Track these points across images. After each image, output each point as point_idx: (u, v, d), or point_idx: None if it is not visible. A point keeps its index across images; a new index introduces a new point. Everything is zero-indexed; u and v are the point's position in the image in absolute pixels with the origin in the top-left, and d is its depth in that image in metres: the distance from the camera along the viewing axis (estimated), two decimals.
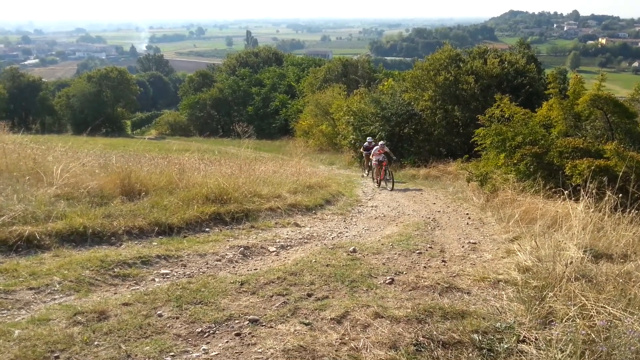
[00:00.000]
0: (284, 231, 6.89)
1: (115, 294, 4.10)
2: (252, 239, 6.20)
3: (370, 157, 14.43)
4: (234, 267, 5.10)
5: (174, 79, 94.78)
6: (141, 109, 65.91)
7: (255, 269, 4.99)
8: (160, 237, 5.87)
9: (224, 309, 3.81)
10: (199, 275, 4.65)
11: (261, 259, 5.48)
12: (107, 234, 5.55)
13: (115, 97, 50.24)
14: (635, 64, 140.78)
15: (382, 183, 13.78)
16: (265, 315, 3.76)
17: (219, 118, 49.62)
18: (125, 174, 7.21)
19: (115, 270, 4.55)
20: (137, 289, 4.24)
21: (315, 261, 5.18)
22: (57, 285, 4.06)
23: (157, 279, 4.52)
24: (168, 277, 4.59)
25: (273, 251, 5.82)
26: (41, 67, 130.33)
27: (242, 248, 5.66)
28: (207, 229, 6.46)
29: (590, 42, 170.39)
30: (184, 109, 52.30)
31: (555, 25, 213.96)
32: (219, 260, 5.23)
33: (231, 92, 49.46)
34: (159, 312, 3.70)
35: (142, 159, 11.36)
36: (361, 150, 16.93)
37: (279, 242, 6.23)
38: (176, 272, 4.75)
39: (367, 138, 16.53)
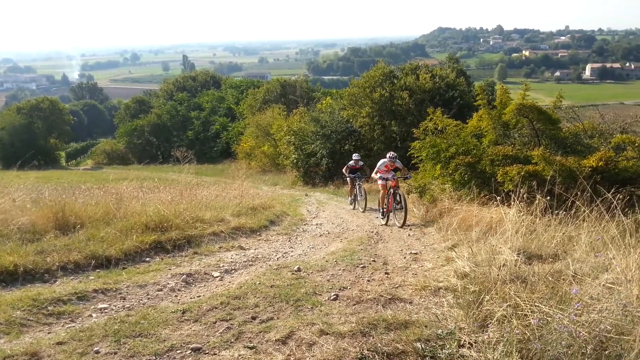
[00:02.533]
0: (228, 255, 6.80)
1: (49, 333, 3.91)
2: (195, 266, 6.08)
3: (373, 175, 10.81)
4: (176, 295, 4.97)
5: (110, 106, 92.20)
6: (76, 139, 63.48)
7: (199, 296, 4.89)
8: (97, 270, 5.65)
9: (165, 340, 3.70)
10: (139, 307, 4.51)
11: (205, 285, 5.38)
12: (40, 271, 5.30)
13: (47, 128, 48.21)
14: (557, 73, 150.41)
15: (390, 215, 10.07)
16: (209, 342, 3.68)
17: (158, 144, 48.54)
18: (58, 207, 6.92)
19: (49, 308, 4.34)
20: (73, 326, 4.05)
21: (260, 283, 5.14)
22: None
23: (94, 315, 4.34)
24: (106, 312, 4.42)
25: (217, 276, 5.72)
26: None
27: (184, 276, 5.54)
28: (147, 259, 6.28)
29: (515, 54, 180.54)
30: (120, 136, 50.84)
31: (481, 39, 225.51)
32: (161, 290, 5.09)
33: (170, 118, 48.60)
34: (95, 348, 3.55)
35: (77, 190, 10.95)
36: (344, 171, 13.65)
37: (223, 266, 6.13)
38: (115, 306, 4.58)
39: (354, 155, 13.78)
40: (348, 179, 13.63)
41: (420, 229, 9.05)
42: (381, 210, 10.42)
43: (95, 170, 37.80)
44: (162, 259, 6.33)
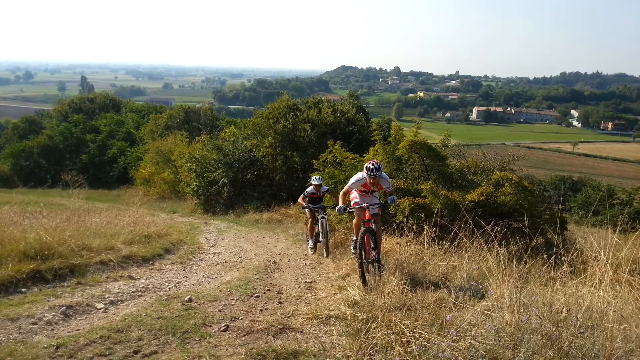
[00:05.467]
0: (115, 285, 6.44)
1: None
2: (77, 297, 5.69)
3: (344, 195, 7.21)
4: (52, 329, 4.61)
5: None
6: None
7: (77, 330, 4.57)
8: None
9: None
10: (7, 343, 4.12)
11: (86, 318, 5.04)
12: None
13: None
14: (448, 114, 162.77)
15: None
16: None
17: (48, 167, 45.19)
18: None
19: None
20: None
21: (146, 315, 4.92)
22: None
23: None
24: None
25: (100, 308, 5.39)
26: None
27: (64, 307, 5.16)
28: (23, 289, 5.78)
29: (410, 95, 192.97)
30: (6, 158, 46.71)
31: (381, 79, 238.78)
32: (35, 324, 4.69)
33: (63, 140, 45.60)
34: None
35: None
36: (300, 201, 10.30)
37: (108, 297, 5.79)
38: None
39: (313, 179, 10.09)
40: (307, 211, 10.04)
41: (317, 258, 9.18)
42: (356, 254, 6.67)
43: None
44: (40, 290, 5.85)
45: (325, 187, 10.27)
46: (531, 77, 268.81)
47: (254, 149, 20.57)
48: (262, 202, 18.90)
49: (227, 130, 25.04)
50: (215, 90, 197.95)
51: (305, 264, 8.63)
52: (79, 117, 49.37)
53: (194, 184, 21.30)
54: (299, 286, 6.72)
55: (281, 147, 19.86)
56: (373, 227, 6.68)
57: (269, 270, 7.95)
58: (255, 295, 6.02)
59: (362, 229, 6.66)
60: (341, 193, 7.23)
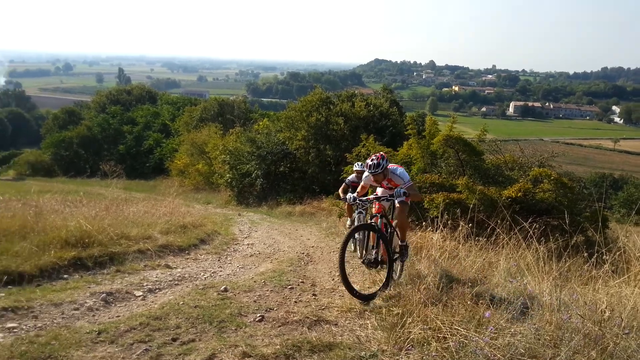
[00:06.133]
0: (153, 274, 6.57)
1: None
2: (116, 284, 5.83)
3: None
4: (93, 315, 4.74)
5: (37, 116, 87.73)
6: None
7: (118, 316, 4.68)
8: (9, 287, 5.28)
9: None
10: (52, 327, 4.25)
11: (125, 305, 5.16)
12: None
13: None
14: (484, 109, 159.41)
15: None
16: None
17: (87, 157, 46.45)
18: None
19: None
20: None
21: (184, 303, 5.01)
22: None
23: (1, 334, 4.05)
24: (15, 332, 4.14)
25: (139, 295, 5.51)
26: None
27: (104, 294, 5.29)
28: (65, 276, 5.95)
29: (445, 89, 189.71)
30: (47, 147, 48.29)
31: (415, 73, 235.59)
32: (77, 309, 4.83)
33: (101, 130, 46.78)
34: None
35: None
36: (340, 192, 8.87)
37: (146, 285, 5.92)
38: (25, 325, 4.30)
39: (356, 164, 9.42)
40: (347, 205, 8.54)
41: (350, 251, 9.16)
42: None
43: (17, 181, 35.57)
44: (81, 277, 6.02)
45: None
46: (571, 72, 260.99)
47: (287, 142, 20.66)
48: (294, 195, 18.99)
49: (261, 123, 25.22)
50: (248, 83, 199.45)
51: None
52: (116, 108, 50.53)
53: (227, 175, 21.56)
54: (333, 279, 6.72)
55: (314, 140, 19.88)
56: (379, 222, 5.85)
57: (303, 263, 7.98)
58: (289, 287, 6.05)
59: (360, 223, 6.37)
60: (359, 187, 6.62)
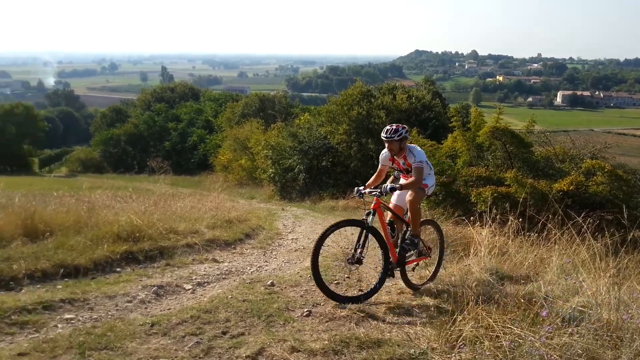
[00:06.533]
0: (201, 268, 6.69)
1: (11, 343, 3.77)
2: (166, 278, 5.96)
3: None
4: (146, 307, 4.87)
5: (86, 114, 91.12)
6: (50, 146, 62.41)
7: (169, 309, 4.79)
8: (65, 279, 5.49)
9: (131, 354, 3.61)
10: (107, 319, 4.39)
11: (176, 298, 5.28)
12: (5, 278, 5.11)
13: (20, 134, 47.20)
14: (530, 99, 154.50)
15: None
16: (177, 357, 3.61)
17: (134, 154, 47.92)
18: (27, 213, 6.74)
19: (13, 317, 4.19)
20: (37, 336, 3.92)
21: (232, 297, 5.07)
22: None
23: (59, 325, 4.21)
24: (72, 323, 4.29)
25: (189, 289, 5.62)
26: None
27: (155, 287, 5.42)
28: (118, 269, 6.14)
29: (489, 79, 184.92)
30: (96, 145, 50.13)
31: (457, 63, 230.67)
32: (130, 302, 4.97)
33: (147, 128, 48.14)
34: None
35: (49, 197, 10.66)
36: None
37: (195, 279, 6.03)
38: (82, 317, 4.45)
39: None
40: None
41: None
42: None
43: (69, 177, 37.06)
44: (133, 270, 6.19)
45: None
46: (622, 59, 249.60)
47: (329, 136, 20.66)
48: (337, 189, 18.97)
49: (302, 118, 25.31)
50: (288, 78, 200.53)
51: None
52: (161, 106, 51.82)
53: (270, 170, 21.74)
54: (379, 275, 6.66)
55: (356, 134, 19.81)
56: (370, 220, 5.27)
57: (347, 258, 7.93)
58: (335, 282, 6.04)
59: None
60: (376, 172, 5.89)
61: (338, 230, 5.34)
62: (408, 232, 5.64)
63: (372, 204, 5.41)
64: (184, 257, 7.06)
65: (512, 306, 4.47)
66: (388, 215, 5.75)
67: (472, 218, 7.97)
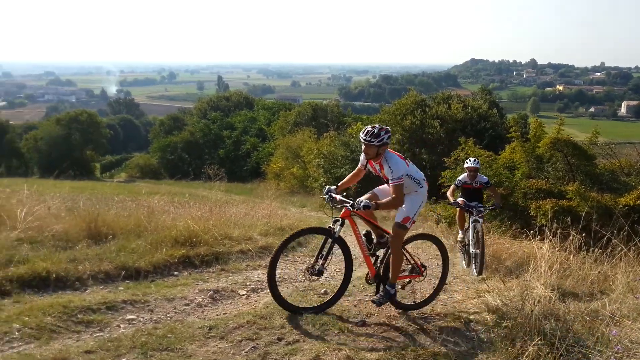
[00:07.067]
0: (255, 274, 6.79)
1: (77, 341, 3.95)
2: (222, 282, 6.09)
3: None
4: (202, 311, 4.98)
5: (145, 122, 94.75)
6: (111, 152, 65.31)
7: (225, 313, 4.89)
8: (126, 281, 5.71)
9: (191, 356, 3.71)
10: (166, 321, 4.53)
11: (231, 303, 5.38)
12: (71, 278, 5.36)
13: (84, 140, 49.69)
14: (592, 109, 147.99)
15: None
16: None
17: (190, 161, 49.38)
18: (91, 217, 7.05)
19: (79, 316, 4.39)
20: (101, 335, 4.09)
21: None
22: (17, 333, 3.89)
23: (122, 325, 4.38)
24: (134, 323, 4.45)
25: (243, 294, 5.71)
26: (9, 109, 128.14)
27: (211, 292, 5.55)
28: (175, 273, 6.32)
29: (548, 88, 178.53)
30: (154, 152, 52.02)
31: (514, 72, 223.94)
32: (188, 305, 5.10)
33: (202, 135, 49.53)
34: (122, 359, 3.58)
35: (110, 201, 11.14)
36: (449, 194, 7.93)
37: (249, 285, 6.12)
38: (143, 318, 4.61)
39: (468, 160, 7.84)
40: (459, 209, 7.78)
41: (451, 258, 8.88)
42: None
43: (128, 183, 38.62)
44: (190, 274, 6.35)
45: (484, 178, 7.79)
46: None
47: None
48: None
49: (354, 127, 25.32)
50: (340, 87, 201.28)
51: (437, 264, 8.36)
52: (216, 114, 53.22)
53: (322, 179, 21.86)
54: (433, 287, 6.54)
55: (409, 143, 19.65)
56: (338, 229, 5.03)
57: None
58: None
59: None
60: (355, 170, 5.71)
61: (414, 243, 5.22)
62: (385, 284, 5.04)
63: (342, 212, 5.09)
64: (238, 263, 7.18)
65: (575, 324, 4.29)
66: None
67: (530, 232, 7.71)
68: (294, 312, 4.67)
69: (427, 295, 5.52)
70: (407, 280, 5.54)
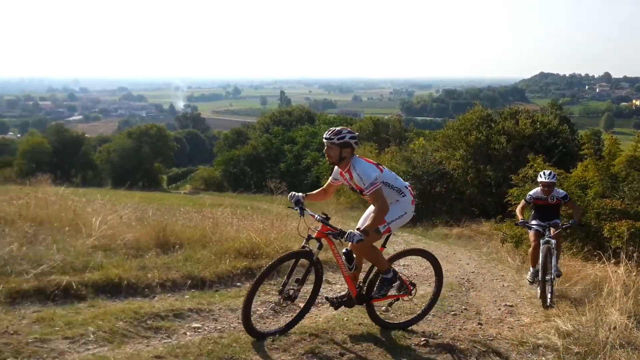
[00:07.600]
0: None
1: (147, 346, 4.11)
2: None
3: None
4: (264, 323, 5.06)
5: (210, 136, 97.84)
6: (178, 165, 67.87)
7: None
8: (192, 290, 5.89)
9: None
10: (230, 330, 4.63)
11: (292, 316, 5.41)
12: (141, 285, 5.60)
13: (153, 152, 52.03)
14: None
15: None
16: None
17: (252, 174, 50.43)
18: (160, 227, 7.36)
19: (148, 322, 4.57)
20: (169, 342, 4.24)
21: (347, 320, 5.10)
22: (92, 336, 4.09)
23: (188, 333, 4.52)
24: (199, 331, 4.58)
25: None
26: (84, 123, 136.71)
27: (272, 304, 5.62)
28: (238, 284, 6.46)
29: (623, 103, 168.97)
30: (218, 165, 53.53)
31: (587, 87, 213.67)
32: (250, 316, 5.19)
33: (264, 149, 50.49)
34: None
35: (177, 212, 11.55)
36: (518, 212, 7.33)
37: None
38: (207, 326, 4.74)
39: (541, 173, 7.01)
40: (530, 232, 7.02)
41: (515, 280, 8.56)
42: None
43: (193, 194, 39.87)
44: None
45: (561, 192, 7.03)
46: None
47: (444, 162, 20.18)
48: (451, 217, 18.38)
49: (416, 142, 25.00)
50: (402, 101, 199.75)
51: (503, 285, 8.10)
52: (278, 129, 54.14)
53: None
54: (499, 309, 6.33)
55: (473, 160, 19.17)
56: (316, 249, 4.79)
57: (464, 289, 7.65)
58: (452, 313, 5.85)
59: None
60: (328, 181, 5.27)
61: (452, 259, 5.10)
62: (377, 275, 4.90)
63: (317, 231, 4.71)
64: (298, 277, 7.22)
65: None
66: None
67: (604, 254, 7.30)
68: (258, 338, 4.31)
69: (415, 315, 5.24)
70: (395, 299, 5.20)
